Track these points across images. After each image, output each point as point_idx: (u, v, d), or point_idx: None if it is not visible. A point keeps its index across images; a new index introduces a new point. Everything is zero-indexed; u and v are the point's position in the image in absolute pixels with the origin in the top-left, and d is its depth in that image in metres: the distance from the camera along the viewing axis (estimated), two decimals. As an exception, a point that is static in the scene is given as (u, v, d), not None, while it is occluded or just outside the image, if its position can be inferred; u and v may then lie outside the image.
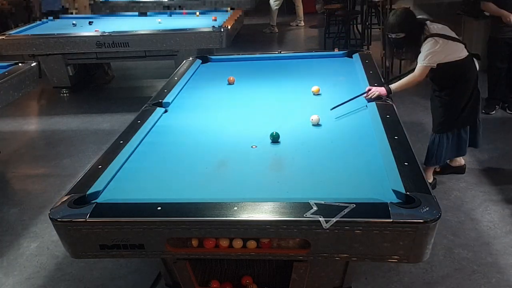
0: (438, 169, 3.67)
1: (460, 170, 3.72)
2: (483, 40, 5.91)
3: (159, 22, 6.35)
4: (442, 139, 3.34)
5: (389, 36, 3.07)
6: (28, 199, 3.79)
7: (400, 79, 3.16)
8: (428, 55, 2.98)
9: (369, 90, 2.87)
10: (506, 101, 4.90)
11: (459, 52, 3.10)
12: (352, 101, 2.83)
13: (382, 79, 3.08)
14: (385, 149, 2.19)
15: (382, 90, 2.87)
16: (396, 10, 3.04)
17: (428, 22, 3.05)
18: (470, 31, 6.07)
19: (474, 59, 3.22)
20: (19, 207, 3.68)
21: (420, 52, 3.05)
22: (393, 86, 2.98)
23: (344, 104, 2.81)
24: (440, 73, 3.15)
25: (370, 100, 2.83)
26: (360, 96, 2.86)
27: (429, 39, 2.98)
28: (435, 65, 3.02)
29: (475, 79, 3.22)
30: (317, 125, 2.63)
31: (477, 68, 3.23)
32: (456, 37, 3.12)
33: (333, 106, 2.76)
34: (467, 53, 3.14)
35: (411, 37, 3.00)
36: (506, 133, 4.45)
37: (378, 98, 2.83)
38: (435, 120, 3.39)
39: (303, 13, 9.91)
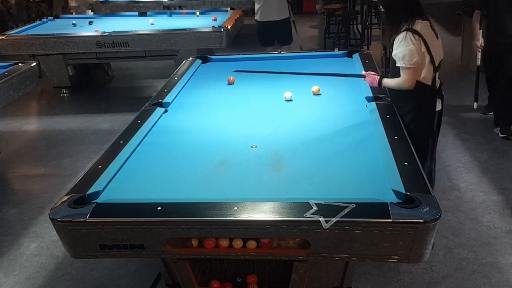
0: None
1: None
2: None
3: (152, 24, 6.26)
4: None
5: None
6: (28, 199, 3.79)
7: None
8: (405, 54, 2.50)
9: (367, 74, 2.83)
10: None
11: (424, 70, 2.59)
12: (351, 100, 2.83)
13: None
14: (385, 149, 2.19)
15: (374, 81, 2.76)
16: None
17: (419, 20, 2.54)
18: (470, 31, 6.06)
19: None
20: (19, 207, 3.68)
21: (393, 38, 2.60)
22: (385, 81, 2.71)
23: (344, 104, 2.82)
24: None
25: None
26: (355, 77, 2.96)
27: (403, 32, 2.52)
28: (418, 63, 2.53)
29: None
30: (289, 100, 2.79)
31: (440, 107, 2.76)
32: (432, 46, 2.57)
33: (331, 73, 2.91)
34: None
35: (389, 14, 2.70)
36: (506, 133, 4.45)
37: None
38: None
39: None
